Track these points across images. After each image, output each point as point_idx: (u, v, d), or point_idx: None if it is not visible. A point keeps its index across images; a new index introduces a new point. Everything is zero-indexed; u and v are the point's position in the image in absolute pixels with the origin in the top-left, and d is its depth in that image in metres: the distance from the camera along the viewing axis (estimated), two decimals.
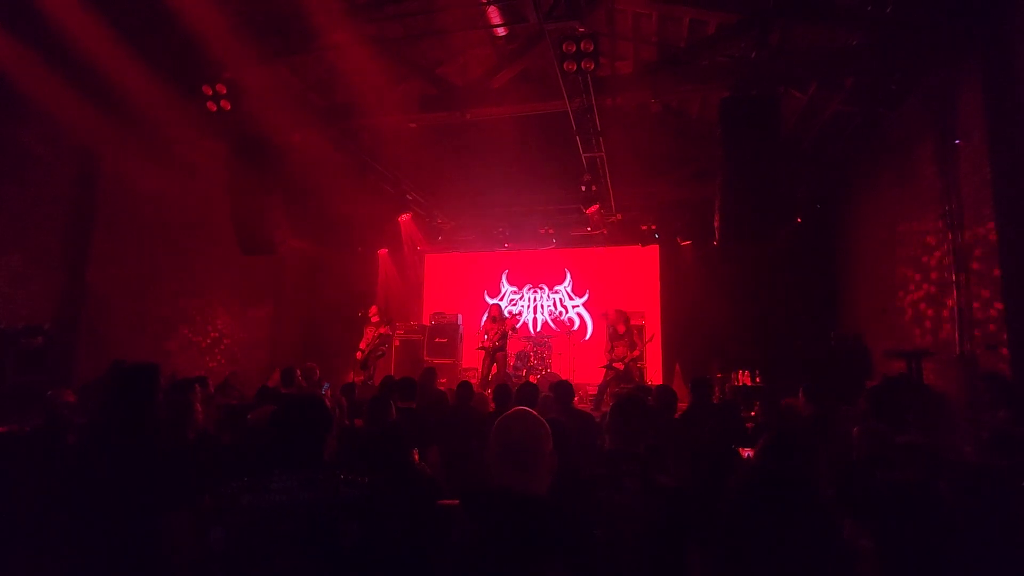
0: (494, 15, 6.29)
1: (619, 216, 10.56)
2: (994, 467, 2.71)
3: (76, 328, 7.28)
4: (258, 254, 7.72)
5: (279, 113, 6.99)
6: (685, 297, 10.66)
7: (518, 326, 10.95)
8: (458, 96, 6.87)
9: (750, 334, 9.38)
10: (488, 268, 12.42)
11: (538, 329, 11.67)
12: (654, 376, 10.00)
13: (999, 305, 5.00)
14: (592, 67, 5.41)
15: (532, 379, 9.26)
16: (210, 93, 6.30)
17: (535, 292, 12.13)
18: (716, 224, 6.13)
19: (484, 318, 9.59)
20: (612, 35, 8.10)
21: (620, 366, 8.24)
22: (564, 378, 6.79)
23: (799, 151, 8.73)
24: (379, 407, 3.48)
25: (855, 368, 6.45)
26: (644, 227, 11.00)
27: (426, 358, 10.40)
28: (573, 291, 11.97)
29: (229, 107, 6.34)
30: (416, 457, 2.66)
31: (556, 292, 12.05)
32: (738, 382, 8.33)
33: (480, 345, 9.17)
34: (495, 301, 11.49)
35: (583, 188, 8.60)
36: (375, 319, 9.39)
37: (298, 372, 6.04)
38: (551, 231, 11.59)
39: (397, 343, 10.83)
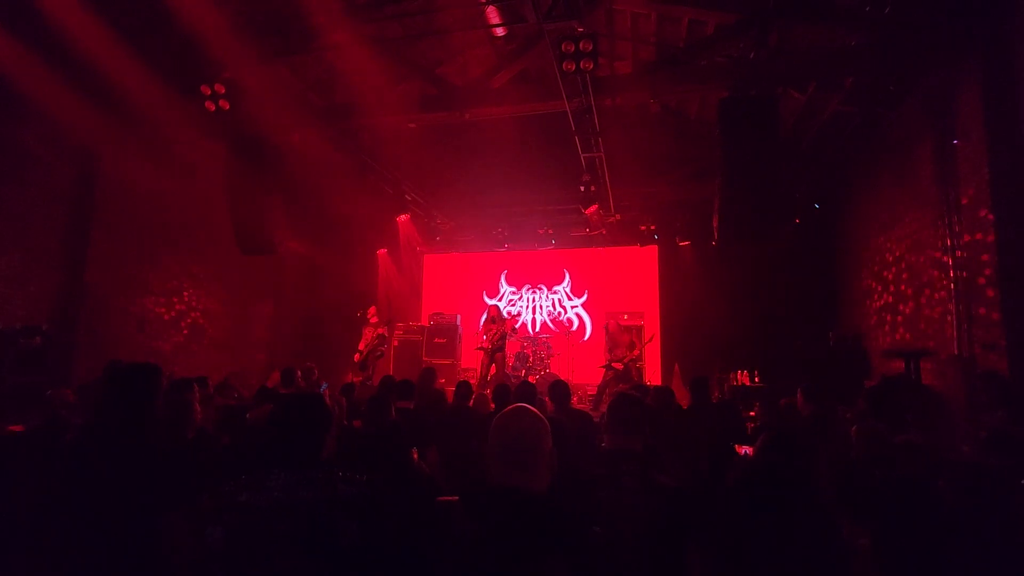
0: (493, 15, 6.30)
1: (618, 216, 10.57)
2: (992, 466, 2.71)
3: (75, 328, 7.27)
4: (257, 254, 7.72)
5: (278, 113, 6.99)
6: (684, 297, 10.67)
7: (517, 327, 10.96)
8: (457, 96, 6.87)
9: (749, 334, 9.38)
10: (487, 268, 12.42)
11: (537, 329, 11.68)
12: (653, 376, 10.01)
13: (997, 305, 5.01)
14: (591, 67, 5.41)
15: (531, 379, 9.28)
16: (209, 93, 6.30)
17: (534, 292, 12.14)
18: (715, 224, 6.14)
19: (483, 318, 9.59)
20: (611, 35, 8.10)
21: (619, 366, 8.25)
22: (562, 378, 6.80)
23: (798, 151, 8.75)
24: (378, 407, 3.48)
25: (854, 368, 6.46)
26: (643, 227, 11.01)
27: (425, 358, 10.40)
28: (572, 291, 11.97)
29: (228, 107, 6.34)
30: (415, 456, 2.66)
31: (555, 292, 12.05)
32: (737, 382, 8.34)
33: (479, 345, 9.17)
34: (494, 302, 11.49)
35: (582, 188, 8.61)
36: (374, 320, 9.38)
37: (298, 372, 6.03)
38: (550, 231, 11.61)
39: (396, 343, 10.82)
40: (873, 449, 2.75)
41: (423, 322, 11.45)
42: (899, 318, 7.13)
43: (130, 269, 8.11)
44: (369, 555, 1.57)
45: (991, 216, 5.07)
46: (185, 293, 9.05)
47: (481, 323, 9.67)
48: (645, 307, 10.88)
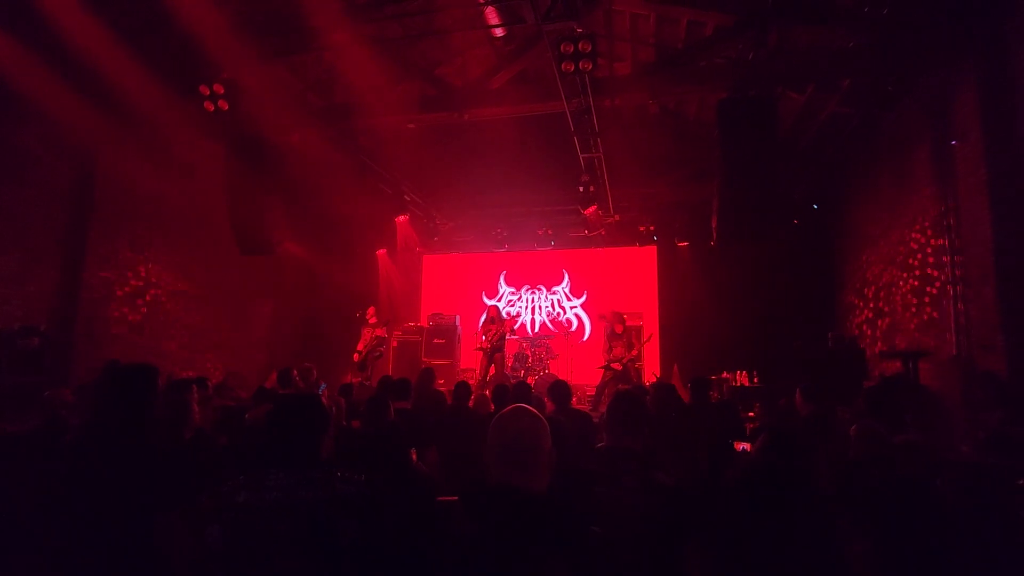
0: (492, 16, 6.30)
1: (617, 217, 10.58)
2: (990, 466, 2.72)
3: (73, 329, 7.26)
4: (256, 254, 7.71)
5: (278, 113, 6.99)
6: (683, 298, 10.68)
7: (516, 327, 10.96)
8: (457, 97, 6.88)
9: (748, 334, 9.39)
10: (486, 269, 12.42)
11: (536, 330, 11.68)
12: (652, 377, 10.01)
13: (995, 306, 5.02)
14: (590, 68, 5.42)
15: (530, 380, 9.28)
16: (208, 93, 6.30)
17: (533, 293, 12.14)
18: (714, 224, 6.15)
19: (482, 319, 9.59)
20: (610, 36, 8.11)
21: (618, 367, 8.25)
22: (562, 379, 6.79)
23: (797, 152, 8.77)
24: (377, 407, 3.48)
25: (852, 368, 6.46)
26: (642, 228, 11.02)
27: (424, 359, 10.39)
28: (571, 292, 11.98)
29: (227, 107, 6.33)
30: (414, 457, 2.66)
31: (554, 293, 12.05)
32: (736, 382, 8.34)
33: (478, 346, 9.16)
34: (493, 302, 11.48)
35: (581, 189, 8.62)
36: (372, 320, 9.37)
37: (295, 373, 6.03)
38: (549, 232, 11.61)
39: (395, 344, 10.81)
40: (872, 449, 2.75)
41: (422, 322, 11.44)
42: (897, 318, 7.14)
43: (129, 269, 8.09)
44: (368, 555, 1.57)
45: (989, 217, 5.09)
46: (184, 293, 9.04)
47: (480, 323, 9.67)
48: (644, 308, 10.88)
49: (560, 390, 4.46)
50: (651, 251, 11.37)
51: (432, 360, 10.16)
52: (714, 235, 6.21)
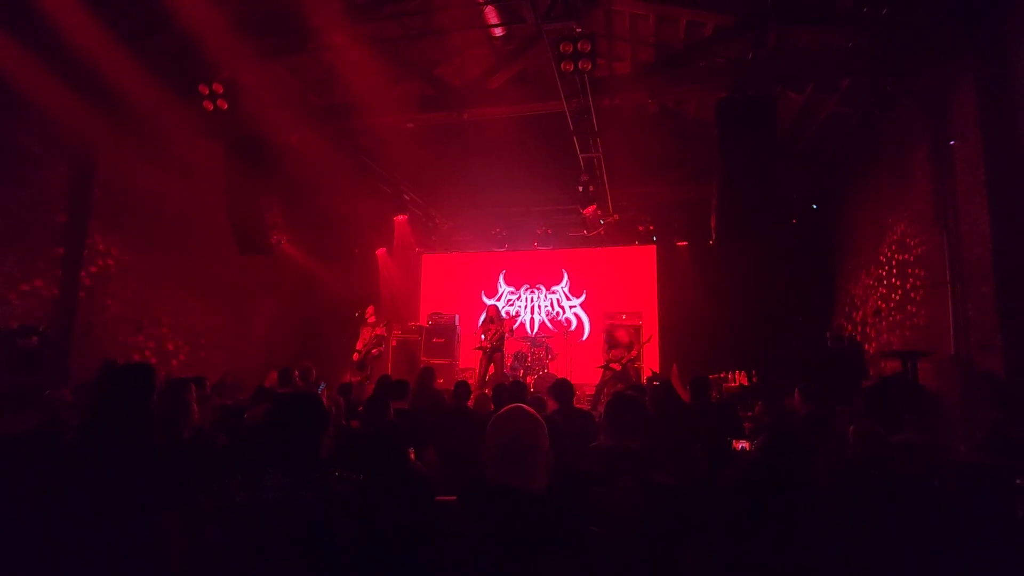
0: (491, 15, 6.31)
1: (616, 216, 10.58)
2: (987, 466, 2.73)
3: (72, 328, 7.25)
4: (255, 254, 7.72)
5: (277, 113, 6.99)
6: (682, 297, 10.69)
7: (515, 327, 10.96)
8: (456, 96, 6.88)
9: (747, 334, 9.40)
10: (485, 268, 12.42)
11: (535, 329, 11.68)
12: (648, 373, 10.01)
13: (993, 306, 5.02)
14: (589, 67, 5.42)
15: (529, 380, 9.29)
16: (207, 92, 6.29)
17: (532, 292, 12.14)
18: (713, 224, 6.16)
19: (481, 318, 9.59)
20: (609, 36, 8.11)
21: (617, 366, 8.27)
22: (561, 378, 6.79)
23: (796, 152, 8.77)
24: (375, 407, 3.48)
25: (851, 368, 6.47)
26: (641, 227, 11.03)
27: (423, 358, 10.39)
28: (570, 291, 11.98)
29: (226, 106, 6.33)
30: (412, 456, 2.66)
31: (553, 292, 12.06)
32: (735, 382, 8.35)
33: (477, 345, 9.17)
34: (492, 301, 11.49)
35: (580, 189, 8.62)
36: (371, 319, 9.38)
37: (295, 372, 6.03)
38: (548, 231, 11.61)
39: (394, 343, 10.81)
40: (870, 449, 2.75)
41: (421, 322, 11.44)
42: (896, 318, 7.15)
43: (127, 269, 8.09)
44: (366, 555, 1.57)
45: (988, 216, 5.09)
46: (183, 293, 9.04)
47: (479, 323, 9.67)
48: (643, 307, 10.89)
49: (563, 389, 4.47)
50: (650, 250, 11.38)
51: (431, 359, 10.17)
52: (713, 234, 6.22)
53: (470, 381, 6.91)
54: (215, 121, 6.62)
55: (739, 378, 8.44)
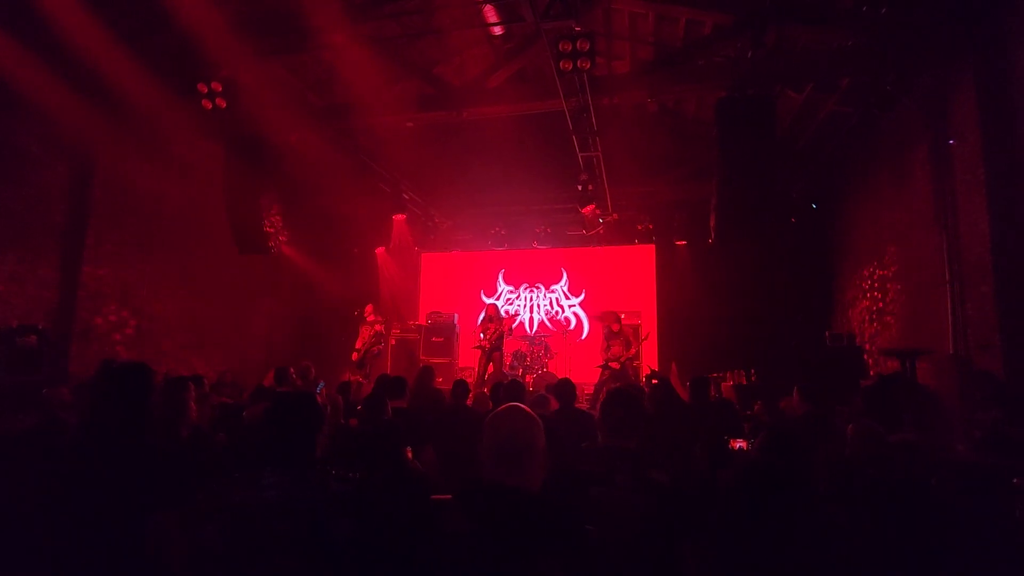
0: (491, 14, 6.30)
1: (615, 216, 10.58)
2: (984, 464, 2.73)
3: (71, 327, 7.26)
4: (255, 254, 7.71)
5: (276, 112, 6.98)
6: (681, 297, 10.68)
7: (514, 326, 10.96)
8: (455, 95, 6.87)
9: (746, 334, 9.40)
10: (485, 267, 12.42)
11: (534, 328, 11.67)
12: (647, 370, 10.01)
13: (992, 305, 5.02)
14: (588, 66, 5.41)
15: (528, 378, 9.29)
16: (205, 91, 6.28)
17: (532, 291, 12.14)
18: (712, 223, 6.16)
19: (480, 317, 9.59)
20: (609, 35, 8.11)
21: (616, 365, 8.26)
22: (561, 377, 6.79)
23: (795, 151, 8.76)
24: (373, 406, 3.48)
25: (850, 367, 6.47)
26: (640, 227, 11.02)
27: (422, 357, 10.39)
28: (569, 290, 11.98)
29: (225, 105, 6.32)
30: (409, 455, 2.66)
31: (552, 291, 12.05)
32: (733, 381, 8.35)
33: (476, 344, 9.16)
34: (492, 300, 11.48)
35: (579, 188, 8.61)
36: (371, 318, 9.37)
37: (292, 371, 6.04)
38: (548, 230, 11.60)
39: (393, 342, 10.81)
40: (868, 448, 2.75)
41: (421, 321, 11.44)
42: (895, 317, 7.15)
43: (127, 268, 8.09)
44: (362, 553, 1.57)
45: (987, 216, 5.09)
46: (183, 292, 9.04)
47: (479, 322, 9.67)
48: (642, 306, 10.89)
49: (566, 389, 4.48)
50: (649, 250, 11.38)
51: (431, 358, 10.16)
52: (712, 234, 6.22)
53: (469, 380, 6.91)
54: (214, 120, 6.61)
55: (738, 377, 8.43)
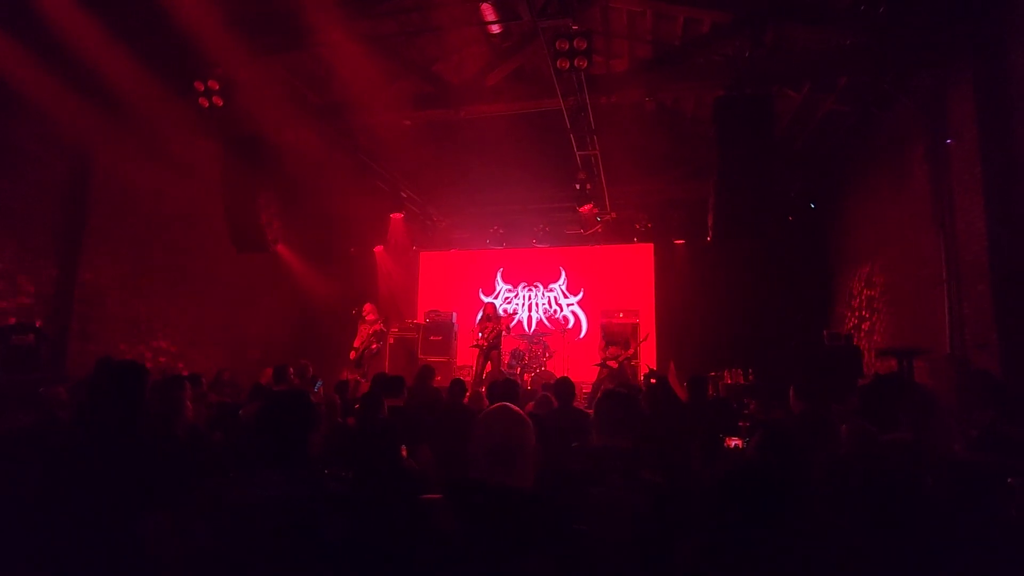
0: (488, 12, 6.28)
1: (614, 215, 10.58)
2: (979, 464, 2.73)
3: (68, 325, 7.25)
4: (252, 252, 7.70)
5: (274, 110, 6.97)
6: (680, 295, 10.70)
7: (512, 325, 10.96)
8: (453, 94, 6.86)
9: (745, 333, 9.41)
10: (483, 266, 12.42)
11: (533, 327, 11.68)
12: (645, 369, 10.02)
13: (989, 304, 5.03)
14: (585, 65, 5.40)
15: (527, 377, 9.29)
16: (202, 89, 6.27)
17: (530, 290, 12.14)
18: (710, 222, 6.16)
19: (479, 316, 9.60)
20: (607, 33, 8.09)
21: (614, 364, 8.27)
22: (560, 376, 6.80)
23: (793, 150, 8.76)
24: (369, 405, 3.48)
25: (847, 366, 6.47)
26: (639, 225, 11.02)
27: (421, 356, 10.39)
28: (568, 289, 11.98)
29: (221, 103, 6.31)
30: (404, 453, 2.66)
31: (551, 290, 12.06)
32: (731, 380, 8.36)
33: (474, 343, 9.17)
34: (490, 299, 11.49)
35: (577, 186, 8.61)
36: (370, 317, 9.37)
37: (291, 370, 6.03)
38: (546, 229, 11.60)
39: (392, 341, 10.81)
40: (861, 447, 2.76)
41: (419, 319, 11.44)
42: (892, 316, 7.15)
43: (125, 266, 8.08)
44: (355, 552, 1.57)
45: (984, 215, 5.09)
46: (180, 289, 9.03)
47: (477, 321, 9.69)
48: (641, 305, 10.90)
49: (564, 388, 4.49)
50: (648, 248, 11.39)
51: (429, 357, 10.17)
52: (710, 233, 6.22)
53: (467, 379, 6.91)
54: (212, 119, 6.60)
55: (736, 376, 8.45)
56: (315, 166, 8.75)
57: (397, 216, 10.40)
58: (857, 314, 8.40)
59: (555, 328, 11.33)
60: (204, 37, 5.92)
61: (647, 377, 7.78)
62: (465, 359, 10.76)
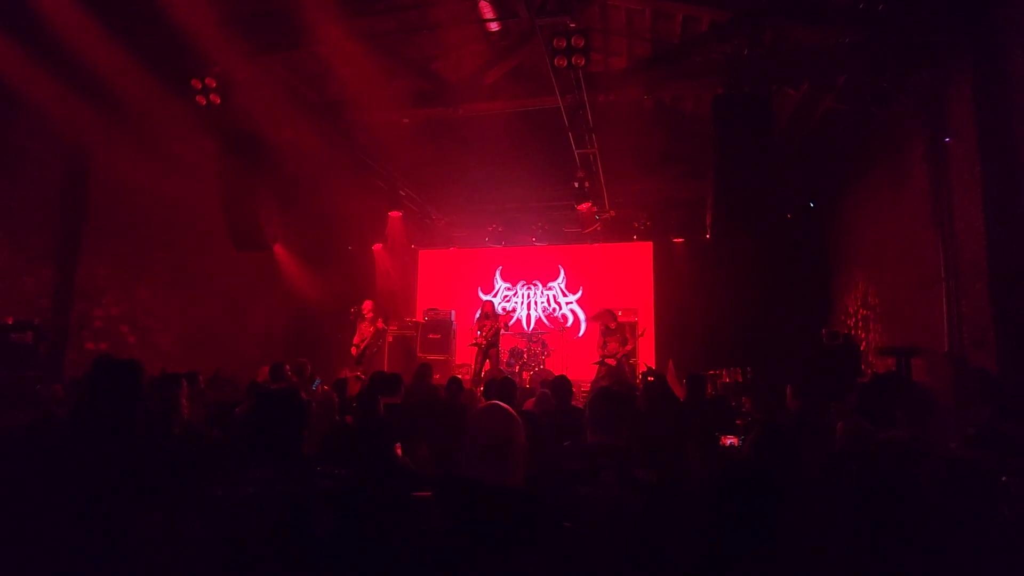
0: (486, 10, 6.27)
1: (613, 213, 10.57)
2: (975, 462, 2.73)
3: (67, 324, 7.25)
4: (251, 251, 7.70)
5: (272, 108, 6.96)
6: (679, 294, 10.70)
7: (511, 323, 10.97)
8: (451, 92, 6.85)
9: (744, 331, 9.41)
10: (482, 264, 12.42)
11: (532, 325, 11.68)
12: (644, 367, 10.02)
13: (987, 303, 5.02)
14: (583, 63, 5.39)
15: (525, 375, 9.30)
16: (199, 87, 6.26)
17: (529, 288, 12.15)
18: (708, 221, 6.15)
19: (477, 314, 9.61)
20: (606, 31, 8.08)
21: (612, 362, 8.27)
22: (558, 374, 6.80)
23: (792, 148, 8.75)
24: (365, 402, 3.49)
25: (846, 365, 6.48)
26: (638, 224, 11.02)
27: (420, 354, 10.40)
28: (567, 287, 11.98)
29: (219, 101, 6.30)
30: (399, 451, 2.67)
31: (550, 288, 12.06)
32: (729, 378, 8.36)
33: (473, 342, 9.17)
34: (488, 297, 11.50)
35: (576, 185, 8.60)
36: (370, 315, 9.37)
37: (288, 367, 6.04)
38: (545, 227, 11.61)
39: (390, 339, 10.82)
40: (857, 445, 2.76)
41: (418, 318, 11.45)
42: (891, 315, 7.15)
43: (123, 264, 8.08)
44: (345, 546, 1.57)
45: (982, 214, 5.08)
46: (179, 288, 9.03)
47: (475, 319, 9.69)
48: (640, 303, 10.90)
49: (561, 386, 4.49)
50: (647, 247, 11.39)
51: (428, 355, 10.17)
52: (708, 231, 6.22)
53: (465, 377, 6.91)
54: (210, 117, 6.59)
55: (735, 375, 8.45)
56: (314, 164, 8.74)
57: (396, 214, 10.40)
58: (856, 313, 8.40)
59: (554, 326, 11.33)
60: (202, 35, 5.90)
61: (644, 375, 7.79)
62: (464, 357, 10.76)
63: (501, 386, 4.27)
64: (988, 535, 2.44)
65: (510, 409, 1.51)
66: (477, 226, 12.01)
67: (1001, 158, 5.00)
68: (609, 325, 8.46)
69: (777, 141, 7.71)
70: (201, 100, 6.29)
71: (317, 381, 7.12)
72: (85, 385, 3.48)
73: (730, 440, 3.59)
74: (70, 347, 7.24)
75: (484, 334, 8.91)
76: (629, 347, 8.66)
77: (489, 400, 2.83)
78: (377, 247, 12.09)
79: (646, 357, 10.36)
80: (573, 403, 6.15)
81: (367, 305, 9.53)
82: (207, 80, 6.21)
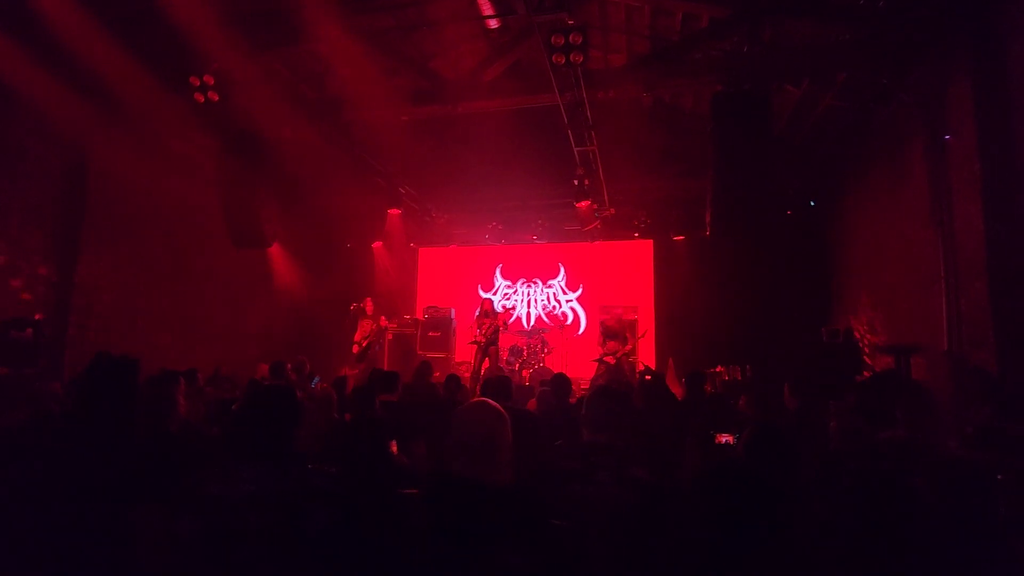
0: (485, 6, 6.26)
1: (613, 211, 10.56)
2: (973, 461, 2.72)
3: (66, 321, 7.26)
4: (250, 248, 7.71)
5: (270, 106, 6.96)
6: (679, 292, 10.69)
7: (510, 321, 10.96)
8: (450, 89, 6.84)
9: (744, 329, 9.40)
10: (482, 262, 12.41)
11: (531, 323, 11.68)
12: (641, 366, 10.01)
13: (986, 301, 5.01)
14: (581, 60, 5.38)
15: (525, 373, 9.30)
16: (198, 84, 6.26)
17: (529, 286, 12.14)
18: (707, 218, 6.14)
19: (477, 312, 9.60)
20: (605, 28, 8.06)
21: (612, 360, 8.26)
22: (557, 372, 6.80)
23: (791, 146, 8.73)
24: (361, 399, 3.48)
25: (845, 363, 6.46)
26: (637, 222, 11.01)
27: (419, 352, 10.40)
28: (567, 285, 11.97)
29: (217, 98, 6.30)
30: (394, 448, 2.66)
31: (550, 286, 12.05)
32: (729, 376, 8.35)
33: (472, 340, 9.17)
34: (488, 295, 11.49)
35: (576, 183, 8.59)
36: (370, 312, 9.37)
37: (288, 365, 6.04)
38: (545, 225, 11.59)
39: (390, 337, 10.83)
40: (854, 444, 2.75)
41: (418, 315, 11.45)
42: (890, 313, 7.14)
43: (123, 262, 8.09)
44: (337, 543, 1.57)
45: (981, 212, 5.07)
46: (178, 286, 9.04)
47: (475, 317, 9.69)
48: (640, 301, 10.90)
49: (560, 384, 4.49)
50: (647, 245, 11.37)
51: (427, 353, 10.17)
52: (708, 229, 6.21)
53: (465, 375, 6.90)
54: (208, 114, 6.59)
55: (734, 373, 8.44)
56: (313, 162, 8.74)
57: (395, 212, 10.39)
58: (856, 311, 8.38)
59: (554, 324, 11.33)
60: (201, 33, 5.91)
61: (642, 375, 7.79)
62: (464, 355, 10.76)
63: (497, 385, 4.27)
64: (987, 535, 2.43)
65: (498, 406, 1.50)
66: (477, 224, 11.99)
67: (1001, 156, 4.98)
68: (612, 327, 8.47)
69: (777, 139, 7.70)
70: (199, 97, 6.30)
71: (316, 379, 7.13)
72: (83, 383, 3.48)
73: (725, 438, 3.58)
74: (69, 345, 7.25)
75: (484, 332, 8.91)
76: (629, 346, 8.65)
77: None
78: (377, 245, 12.08)
79: (646, 354, 10.36)
80: (572, 401, 6.17)
81: (367, 302, 9.54)
82: (206, 77, 6.22)
